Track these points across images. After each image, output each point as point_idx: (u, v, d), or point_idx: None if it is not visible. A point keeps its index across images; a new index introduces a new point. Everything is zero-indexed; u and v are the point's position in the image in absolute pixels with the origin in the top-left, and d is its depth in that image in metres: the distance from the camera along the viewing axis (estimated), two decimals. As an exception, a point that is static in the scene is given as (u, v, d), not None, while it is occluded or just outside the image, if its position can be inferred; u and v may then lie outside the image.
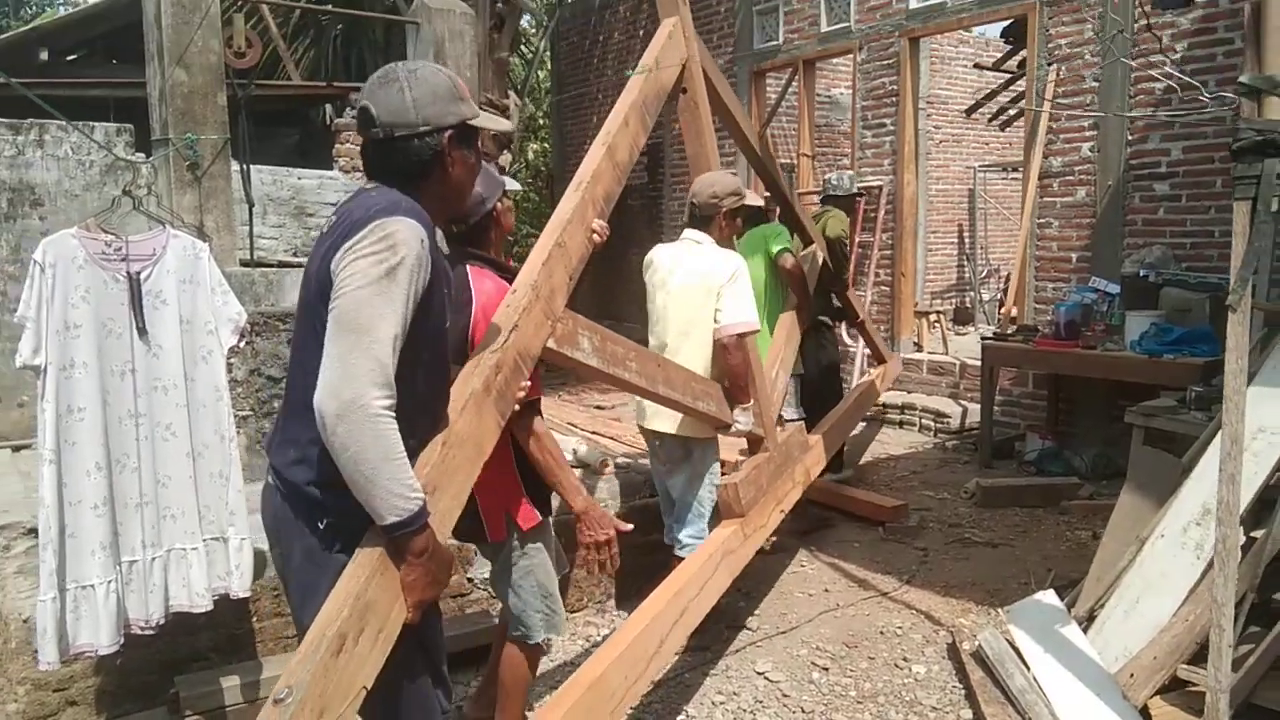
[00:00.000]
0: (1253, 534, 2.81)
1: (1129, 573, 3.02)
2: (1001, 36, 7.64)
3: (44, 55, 9.02)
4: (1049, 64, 6.00)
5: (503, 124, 2.03)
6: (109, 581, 2.37)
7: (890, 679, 3.20)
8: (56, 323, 2.32)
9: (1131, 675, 2.74)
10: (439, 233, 2.05)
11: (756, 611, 3.76)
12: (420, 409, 1.71)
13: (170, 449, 2.49)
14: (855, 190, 5.77)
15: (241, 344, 2.76)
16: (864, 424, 6.54)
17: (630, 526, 2.45)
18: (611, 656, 2.35)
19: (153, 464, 2.47)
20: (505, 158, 8.08)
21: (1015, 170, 9.91)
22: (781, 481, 3.59)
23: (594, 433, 5.38)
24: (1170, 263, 5.33)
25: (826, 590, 3.97)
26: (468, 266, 2.32)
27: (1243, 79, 2.26)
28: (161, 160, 4.78)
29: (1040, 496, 5.08)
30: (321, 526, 1.67)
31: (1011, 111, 7.98)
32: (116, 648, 2.42)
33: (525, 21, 12.38)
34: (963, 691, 3.08)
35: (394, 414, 1.53)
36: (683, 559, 3.15)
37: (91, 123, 4.74)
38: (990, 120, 8.54)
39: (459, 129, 1.73)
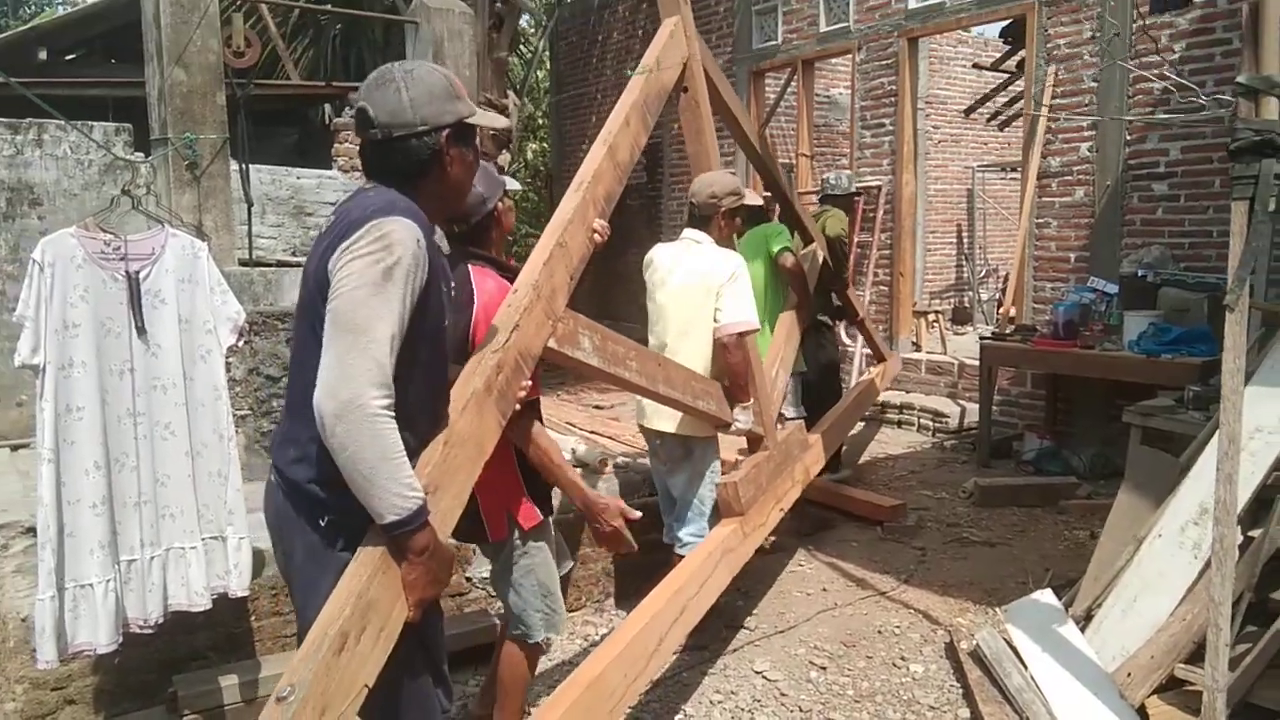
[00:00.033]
0: (1250, 533, 2.81)
1: (1126, 572, 3.02)
2: (1000, 36, 7.64)
3: (43, 55, 9.02)
4: (1047, 64, 6.00)
5: (500, 121, 2.03)
6: (107, 580, 2.38)
7: (888, 678, 3.21)
8: (55, 322, 2.33)
9: (1129, 674, 2.74)
10: (439, 232, 2.06)
11: (755, 611, 3.77)
12: (420, 408, 1.71)
13: (169, 448, 2.50)
14: (854, 190, 5.78)
15: (240, 343, 2.76)
16: (863, 423, 6.54)
17: (638, 514, 2.47)
18: (610, 655, 2.35)
19: (151, 463, 2.47)
20: (504, 157, 8.07)
21: (1014, 170, 9.92)
22: (781, 480, 3.59)
23: (593, 432, 5.38)
24: (1168, 263, 5.33)
25: (824, 589, 3.97)
26: (469, 266, 2.32)
27: (1240, 79, 2.27)
28: (160, 160, 4.79)
29: (1038, 496, 5.08)
30: (323, 524, 1.68)
31: (1009, 112, 7.98)
32: (115, 646, 2.42)
33: (524, 21, 12.37)
34: (960, 690, 3.08)
35: (392, 413, 1.54)
36: (684, 557, 3.15)
37: (90, 122, 4.74)
38: (989, 120, 8.55)
39: (456, 127, 1.73)
